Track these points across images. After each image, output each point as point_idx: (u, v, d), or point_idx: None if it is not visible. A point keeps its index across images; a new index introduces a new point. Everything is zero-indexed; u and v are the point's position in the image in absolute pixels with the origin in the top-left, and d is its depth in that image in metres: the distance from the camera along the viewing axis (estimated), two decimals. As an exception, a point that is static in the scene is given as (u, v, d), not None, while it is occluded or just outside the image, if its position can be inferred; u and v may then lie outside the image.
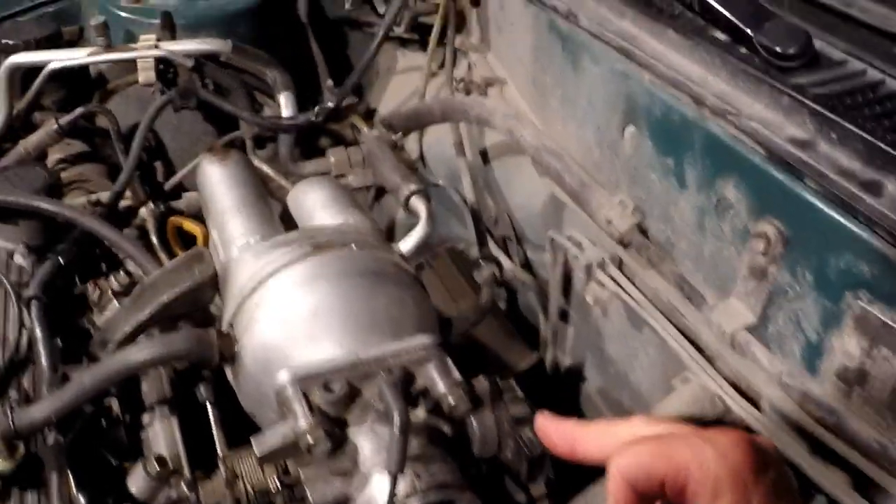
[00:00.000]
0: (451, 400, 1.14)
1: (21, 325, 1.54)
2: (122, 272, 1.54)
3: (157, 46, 1.94)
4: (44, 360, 1.47)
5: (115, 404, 1.46)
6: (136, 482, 1.34)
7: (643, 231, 1.43)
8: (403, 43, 2.27)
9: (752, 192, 1.22)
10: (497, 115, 1.61)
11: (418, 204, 1.43)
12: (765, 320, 1.24)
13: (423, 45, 2.25)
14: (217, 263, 1.42)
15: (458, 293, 1.68)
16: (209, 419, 1.50)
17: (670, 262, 1.38)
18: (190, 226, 1.82)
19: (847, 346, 1.12)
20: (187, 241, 1.87)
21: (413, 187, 1.43)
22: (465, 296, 1.67)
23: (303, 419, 1.10)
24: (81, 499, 1.30)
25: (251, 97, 2.07)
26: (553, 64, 1.61)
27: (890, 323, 1.05)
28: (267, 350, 1.25)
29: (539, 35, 1.66)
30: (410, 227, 1.42)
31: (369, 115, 2.27)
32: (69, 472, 1.35)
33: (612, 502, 0.82)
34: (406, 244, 1.38)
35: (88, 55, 1.95)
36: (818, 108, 1.18)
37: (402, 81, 2.31)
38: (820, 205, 1.12)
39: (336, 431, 1.11)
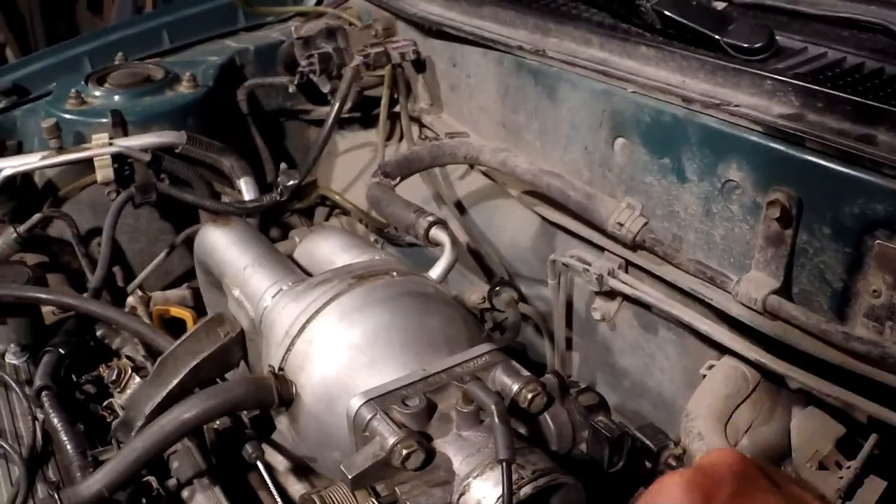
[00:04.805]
0: (528, 395, 1.16)
1: (33, 418, 1.48)
2: (138, 350, 1.50)
3: (111, 143, 1.93)
4: (69, 447, 1.41)
5: (153, 482, 1.41)
6: (195, 557, 1.29)
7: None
8: (341, 125, 2.32)
9: (757, 167, 1.31)
10: (486, 150, 1.67)
11: (439, 234, 1.46)
12: (789, 282, 1.32)
13: (363, 123, 2.31)
14: (243, 320, 1.41)
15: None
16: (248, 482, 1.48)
17: (683, 255, 1.44)
18: (177, 311, 1.79)
19: (872, 285, 1.21)
20: (173, 329, 1.83)
21: (431, 219, 1.47)
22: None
23: (390, 435, 1.09)
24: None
25: (210, 186, 2.07)
26: (526, 101, 1.69)
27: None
28: (327, 385, 1.24)
29: (505, 78, 1.74)
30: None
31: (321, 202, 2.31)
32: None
33: None
34: (435, 271, 1.41)
35: (42, 159, 1.92)
36: (799, 83, 1.31)
37: (348, 160, 2.35)
38: (824, 163, 1.23)
39: (425, 442, 1.11)
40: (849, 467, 1.35)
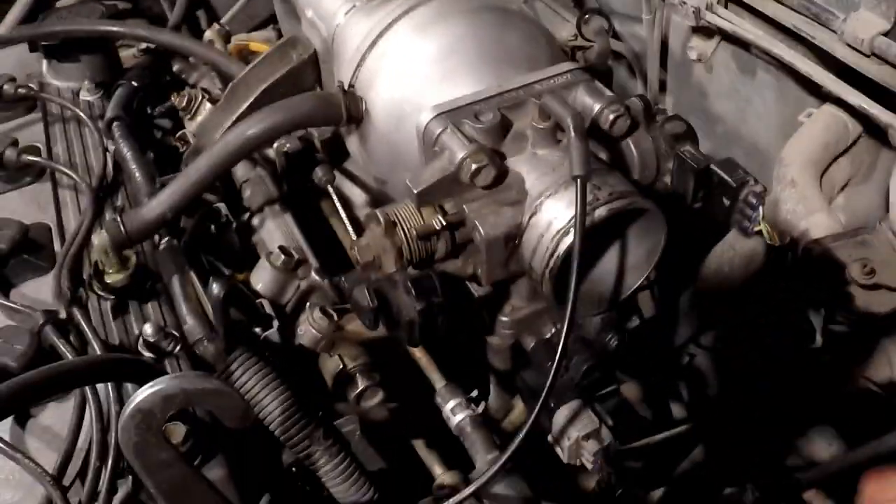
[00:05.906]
0: (610, 115, 1.08)
1: (104, 149, 1.47)
2: (215, 83, 1.46)
3: None
4: (137, 173, 1.40)
5: (223, 208, 1.40)
6: (262, 278, 1.26)
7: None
8: None
9: None
10: None
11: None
12: (899, 25, 1.19)
13: None
14: (317, 42, 1.34)
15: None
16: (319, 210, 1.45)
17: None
18: (257, 45, 1.73)
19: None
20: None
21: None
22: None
23: (460, 149, 1.03)
24: (215, 288, 1.21)
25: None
26: None
27: None
28: (399, 101, 1.18)
29: None
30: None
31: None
32: (192, 272, 1.28)
33: None
34: (521, -11, 1.32)
35: None
36: None
37: None
38: None
39: (497, 159, 1.05)
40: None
